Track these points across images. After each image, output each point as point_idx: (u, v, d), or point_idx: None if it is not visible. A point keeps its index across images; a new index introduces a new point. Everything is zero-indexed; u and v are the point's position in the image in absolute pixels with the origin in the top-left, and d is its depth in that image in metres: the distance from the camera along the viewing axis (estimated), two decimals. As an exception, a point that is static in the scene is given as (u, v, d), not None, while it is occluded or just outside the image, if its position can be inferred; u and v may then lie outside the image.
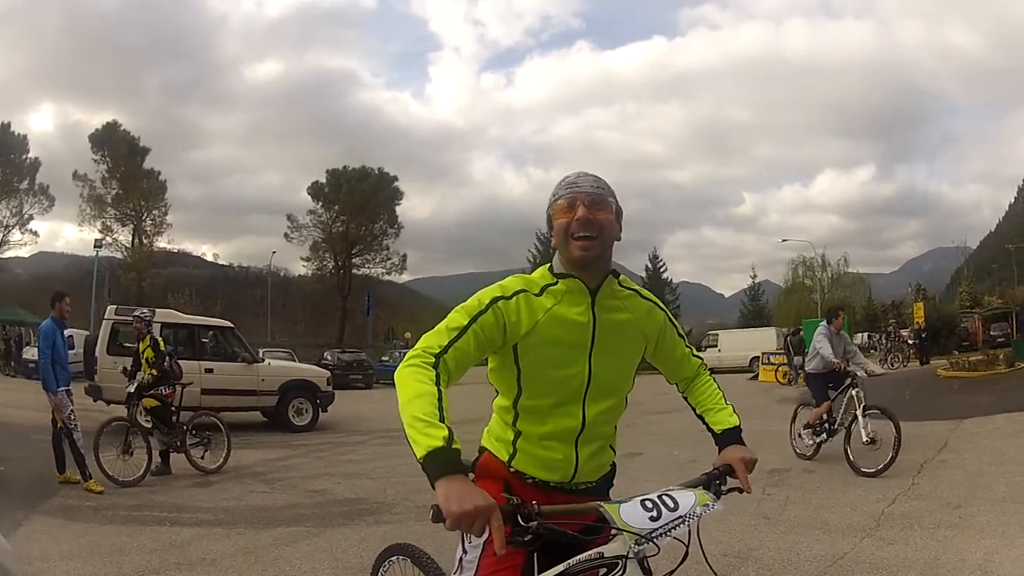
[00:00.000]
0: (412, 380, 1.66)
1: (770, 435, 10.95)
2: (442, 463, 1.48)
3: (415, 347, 1.77)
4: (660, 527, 1.61)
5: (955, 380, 17.90)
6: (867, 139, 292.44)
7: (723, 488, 1.86)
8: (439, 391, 1.63)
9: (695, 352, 2.18)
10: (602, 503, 1.67)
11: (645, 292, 2.08)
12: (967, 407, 12.23)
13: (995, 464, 7.52)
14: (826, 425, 8.32)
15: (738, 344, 34.79)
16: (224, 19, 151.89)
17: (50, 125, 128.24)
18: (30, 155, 54.60)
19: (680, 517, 1.63)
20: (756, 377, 26.61)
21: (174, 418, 8.67)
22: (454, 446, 1.51)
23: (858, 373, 8.16)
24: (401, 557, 2.49)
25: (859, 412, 7.82)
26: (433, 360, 1.71)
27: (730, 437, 2.00)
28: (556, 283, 1.92)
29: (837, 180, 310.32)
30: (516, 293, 1.88)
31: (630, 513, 1.62)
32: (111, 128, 56.92)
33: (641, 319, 2.01)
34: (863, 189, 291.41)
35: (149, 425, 8.54)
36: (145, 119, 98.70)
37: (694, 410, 2.14)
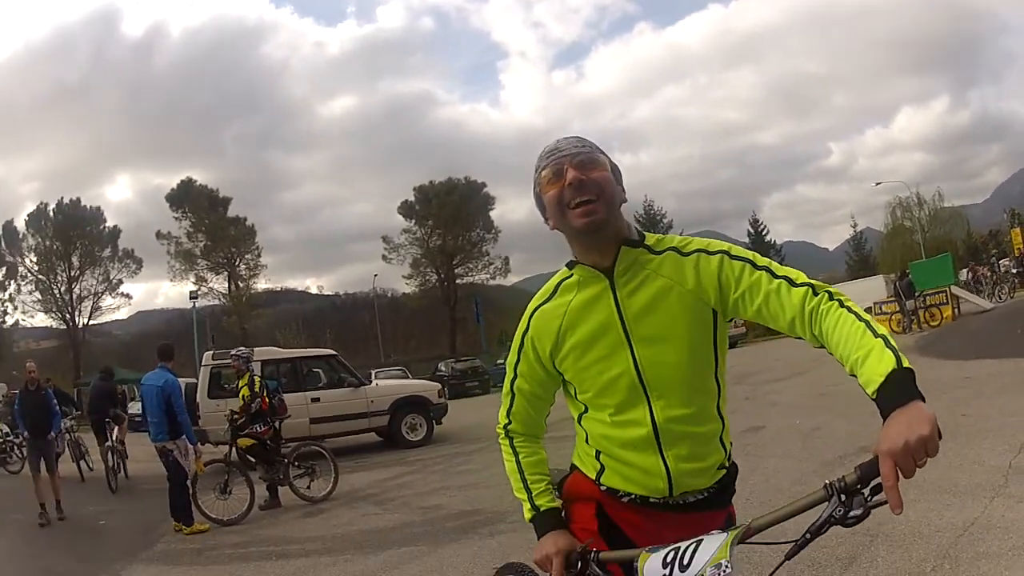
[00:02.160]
0: (505, 459, 1.95)
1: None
2: (537, 527, 1.83)
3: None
4: None
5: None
6: (934, 70, 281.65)
7: (867, 504, 1.27)
8: (516, 462, 1.91)
9: (798, 280, 1.60)
10: (645, 549, 1.52)
11: (689, 245, 1.68)
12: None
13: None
14: None
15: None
16: (286, 64, 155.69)
17: (130, 193, 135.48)
18: (107, 224, 56.95)
19: None
20: (869, 329, 25.41)
21: (278, 451, 8.75)
22: (542, 509, 1.83)
23: None
24: None
25: None
26: (504, 434, 1.95)
27: (888, 399, 1.27)
28: (571, 275, 1.74)
29: (915, 116, 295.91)
30: (531, 316, 1.81)
31: (652, 566, 1.46)
32: (186, 185, 58.41)
33: (687, 278, 1.63)
34: (941, 120, 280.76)
35: (254, 461, 8.61)
36: (226, 172, 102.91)
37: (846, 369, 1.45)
